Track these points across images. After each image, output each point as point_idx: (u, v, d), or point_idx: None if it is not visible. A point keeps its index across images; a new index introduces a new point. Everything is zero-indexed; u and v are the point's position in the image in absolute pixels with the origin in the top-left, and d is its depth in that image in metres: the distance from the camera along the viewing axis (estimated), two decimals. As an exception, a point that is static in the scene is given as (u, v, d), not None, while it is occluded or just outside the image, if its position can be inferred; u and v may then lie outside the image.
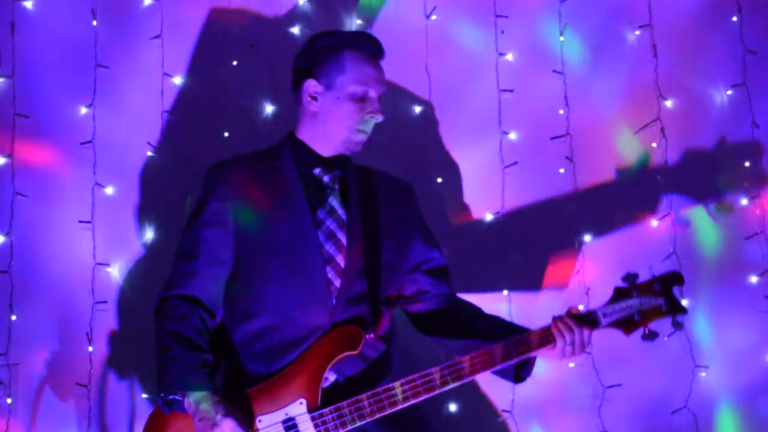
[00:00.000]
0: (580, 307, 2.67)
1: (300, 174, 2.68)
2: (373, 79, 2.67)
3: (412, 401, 2.53)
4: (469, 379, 2.57)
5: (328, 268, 2.60)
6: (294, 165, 2.69)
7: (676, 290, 2.68)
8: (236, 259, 2.64)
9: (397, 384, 2.53)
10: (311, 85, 2.69)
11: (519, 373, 2.69)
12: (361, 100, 2.65)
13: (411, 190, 2.85)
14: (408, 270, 2.76)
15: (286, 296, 2.59)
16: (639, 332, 2.64)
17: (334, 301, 2.59)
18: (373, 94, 2.67)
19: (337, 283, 2.60)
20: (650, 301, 2.65)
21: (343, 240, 2.64)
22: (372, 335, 2.62)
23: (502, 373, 2.69)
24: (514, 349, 2.59)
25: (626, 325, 2.64)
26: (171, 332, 2.55)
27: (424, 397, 2.53)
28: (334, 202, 2.67)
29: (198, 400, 2.46)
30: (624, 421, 3.36)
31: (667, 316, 2.65)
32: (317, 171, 2.69)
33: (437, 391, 2.54)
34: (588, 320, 2.62)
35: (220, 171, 2.69)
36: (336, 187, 2.69)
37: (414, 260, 2.77)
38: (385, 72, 2.70)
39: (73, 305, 3.24)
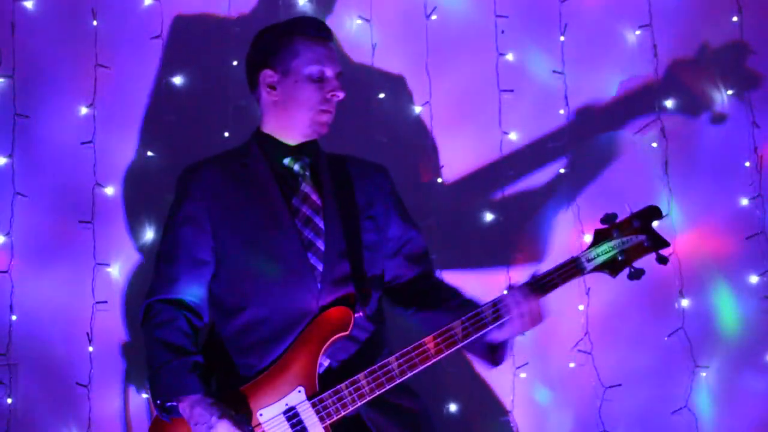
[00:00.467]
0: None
1: (270, 166, 2.71)
2: (327, 57, 2.71)
3: (410, 374, 2.54)
4: (464, 344, 2.56)
5: (309, 254, 2.62)
6: (263, 158, 2.72)
7: (655, 225, 2.66)
8: (217, 257, 2.65)
9: (392, 359, 2.54)
10: (268, 75, 2.73)
11: (494, 355, 2.68)
12: (319, 80, 2.69)
13: (385, 171, 2.87)
14: (389, 255, 2.78)
15: (270, 286, 2.61)
16: (625, 273, 2.63)
17: (319, 286, 2.60)
18: (329, 72, 2.70)
19: (320, 267, 2.62)
20: (632, 239, 2.64)
21: (321, 224, 2.66)
22: (361, 314, 2.63)
23: (480, 355, 2.68)
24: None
25: (611, 266, 2.63)
26: (158, 340, 2.57)
27: (420, 368, 2.53)
28: (306, 188, 2.69)
29: (192, 404, 2.47)
30: (624, 421, 3.36)
31: (651, 251, 2.64)
32: (286, 161, 2.72)
33: (432, 360, 2.54)
34: (538, 287, 2.58)
35: (191, 173, 2.73)
36: (307, 174, 2.72)
37: (393, 239, 2.78)
38: (337, 52, 2.77)
39: (73, 305, 3.24)
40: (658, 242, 2.64)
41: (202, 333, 2.71)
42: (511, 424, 3.34)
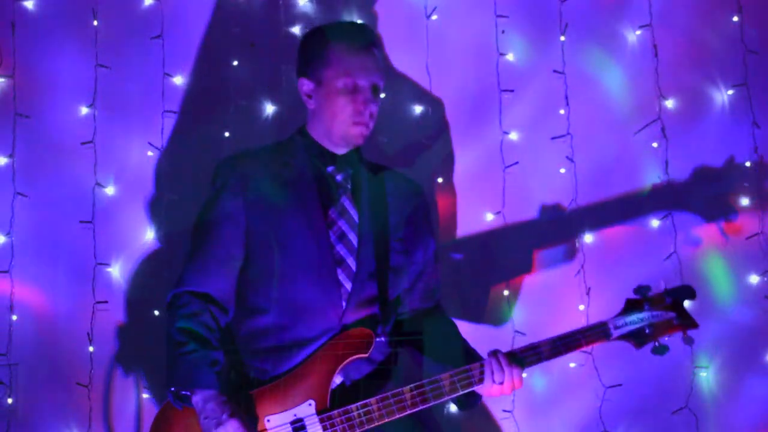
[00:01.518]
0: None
1: (313, 171, 2.66)
2: (361, 68, 2.63)
3: (421, 407, 2.53)
4: (479, 385, 2.57)
5: (338, 270, 2.60)
6: (308, 162, 2.67)
7: (687, 305, 2.69)
8: (246, 254, 2.62)
9: (406, 389, 2.53)
10: (304, 84, 2.69)
11: (464, 399, 2.66)
12: (351, 92, 2.62)
13: (422, 192, 2.84)
14: (410, 281, 2.75)
15: (295, 295, 2.58)
16: (649, 346, 2.65)
17: (344, 304, 2.58)
18: (363, 83, 2.63)
19: (348, 286, 2.60)
20: (661, 315, 2.66)
21: (354, 242, 2.63)
22: (382, 338, 2.62)
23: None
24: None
25: (637, 338, 2.65)
26: (182, 329, 2.54)
27: (433, 402, 2.53)
28: (346, 202, 2.66)
29: (205, 398, 2.46)
30: (624, 421, 3.36)
31: (678, 330, 2.66)
32: (330, 169, 2.68)
33: (446, 398, 2.55)
34: (518, 359, 2.58)
35: (232, 165, 2.67)
36: (348, 186, 2.68)
37: (417, 263, 2.76)
38: (381, 60, 2.68)
39: (73, 305, 3.24)
40: (687, 322, 2.67)
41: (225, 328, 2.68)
42: (511, 424, 3.34)
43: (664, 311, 2.66)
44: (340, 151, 2.69)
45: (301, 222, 2.61)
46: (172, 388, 2.50)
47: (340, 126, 2.64)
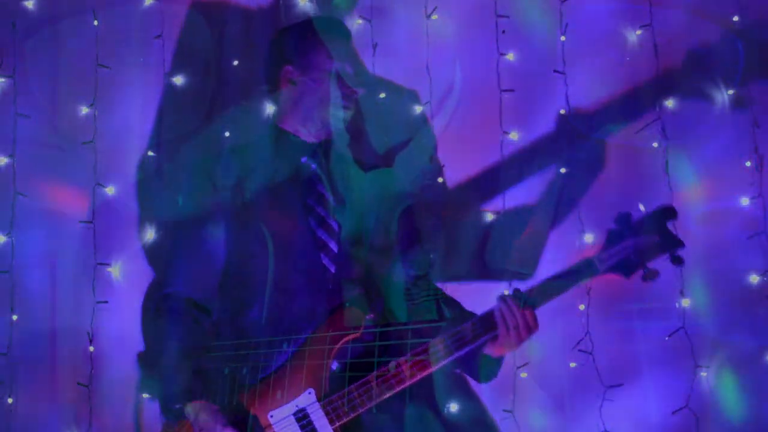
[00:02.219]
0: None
1: (287, 163, 2.72)
2: (347, 55, 2.76)
3: (419, 376, 2.53)
4: (473, 345, 2.55)
5: (322, 255, 2.64)
6: (281, 155, 2.73)
7: (670, 225, 2.64)
8: (229, 253, 2.64)
9: (402, 360, 2.53)
10: (288, 72, 2.75)
11: (484, 371, 2.66)
12: (339, 76, 2.72)
13: (396, 178, 2.90)
14: (395, 259, 2.77)
15: (283, 285, 2.61)
16: (639, 274, 2.61)
17: (330, 287, 2.61)
18: (349, 69, 2.75)
19: (332, 268, 2.63)
20: (645, 240, 2.61)
21: (334, 225, 2.67)
22: (372, 315, 2.62)
23: (470, 369, 2.66)
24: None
25: (625, 267, 2.60)
26: (167, 342, 2.58)
27: (431, 369, 2.52)
28: (322, 189, 2.71)
29: (196, 410, 2.47)
30: (624, 420, 3.36)
31: (665, 252, 2.62)
32: (304, 159, 2.72)
33: (444, 362, 2.54)
34: (530, 299, 2.56)
35: (207, 166, 2.73)
36: (323, 174, 2.73)
37: (398, 247, 2.78)
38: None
39: (73, 305, 3.24)
40: (672, 242, 2.62)
41: (210, 331, 2.70)
42: (511, 424, 3.34)
43: (647, 235, 2.61)
44: (314, 140, 2.75)
45: (280, 213, 2.66)
46: (165, 404, 2.52)
47: (329, 109, 2.73)
